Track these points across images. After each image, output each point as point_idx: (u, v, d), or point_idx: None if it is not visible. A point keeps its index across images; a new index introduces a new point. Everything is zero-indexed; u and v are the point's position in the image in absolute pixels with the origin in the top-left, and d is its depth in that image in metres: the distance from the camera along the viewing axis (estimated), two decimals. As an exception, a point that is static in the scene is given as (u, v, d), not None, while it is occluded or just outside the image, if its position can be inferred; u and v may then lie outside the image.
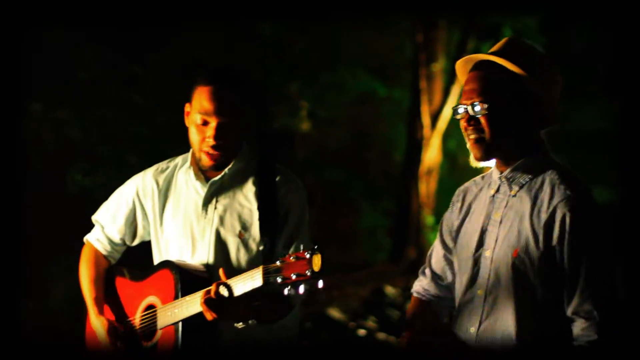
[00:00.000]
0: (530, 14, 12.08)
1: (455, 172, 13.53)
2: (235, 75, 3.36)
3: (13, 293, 6.83)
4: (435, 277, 3.09)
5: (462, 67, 2.88)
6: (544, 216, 2.71)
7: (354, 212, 14.02)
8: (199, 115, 3.29)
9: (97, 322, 3.47)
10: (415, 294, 3.14)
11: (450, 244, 3.03)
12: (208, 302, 3.13)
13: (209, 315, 3.14)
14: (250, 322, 3.20)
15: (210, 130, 3.28)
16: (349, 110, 13.97)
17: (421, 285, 3.12)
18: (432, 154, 12.38)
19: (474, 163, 2.84)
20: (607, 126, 10.80)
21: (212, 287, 3.14)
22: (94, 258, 3.60)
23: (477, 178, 3.00)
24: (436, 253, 3.09)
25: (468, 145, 2.83)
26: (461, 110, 2.80)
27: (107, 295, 3.57)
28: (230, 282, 3.13)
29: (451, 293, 3.02)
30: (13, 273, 6.78)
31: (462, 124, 2.82)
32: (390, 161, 14.18)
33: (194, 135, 3.33)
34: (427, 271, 3.11)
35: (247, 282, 3.07)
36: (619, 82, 9.31)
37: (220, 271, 3.18)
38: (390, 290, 10.37)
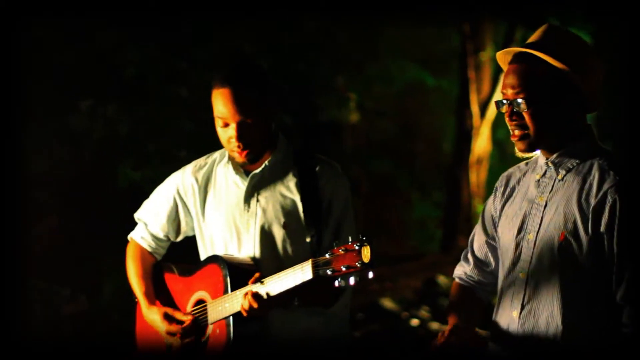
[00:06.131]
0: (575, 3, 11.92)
1: (505, 160, 13.43)
2: (249, 72, 3.31)
3: (66, 288, 6.91)
4: (479, 263, 3.08)
5: (502, 58, 2.87)
6: (592, 201, 2.70)
7: (405, 203, 13.98)
8: (218, 119, 3.28)
9: (151, 313, 3.48)
10: (457, 280, 3.13)
11: (491, 230, 3.03)
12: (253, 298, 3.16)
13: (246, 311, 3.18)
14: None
15: (231, 131, 3.26)
16: (397, 101, 13.93)
17: (464, 270, 3.11)
18: (481, 143, 12.32)
19: (519, 154, 2.85)
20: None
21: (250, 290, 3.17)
22: (140, 255, 3.62)
23: (522, 164, 3.00)
24: (478, 239, 3.08)
25: (512, 139, 2.84)
26: (503, 104, 2.81)
27: (157, 291, 3.58)
28: (275, 277, 3.15)
29: (495, 279, 3.02)
30: (66, 269, 6.86)
31: (506, 117, 2.82)
32: (440, 151, 14.12)
33: (220, 136, 3.32)
34: (470, 257, 3.10)
35: (297, 275, 3.08)
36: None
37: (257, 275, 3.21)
38: (442, 280, 10.32)
